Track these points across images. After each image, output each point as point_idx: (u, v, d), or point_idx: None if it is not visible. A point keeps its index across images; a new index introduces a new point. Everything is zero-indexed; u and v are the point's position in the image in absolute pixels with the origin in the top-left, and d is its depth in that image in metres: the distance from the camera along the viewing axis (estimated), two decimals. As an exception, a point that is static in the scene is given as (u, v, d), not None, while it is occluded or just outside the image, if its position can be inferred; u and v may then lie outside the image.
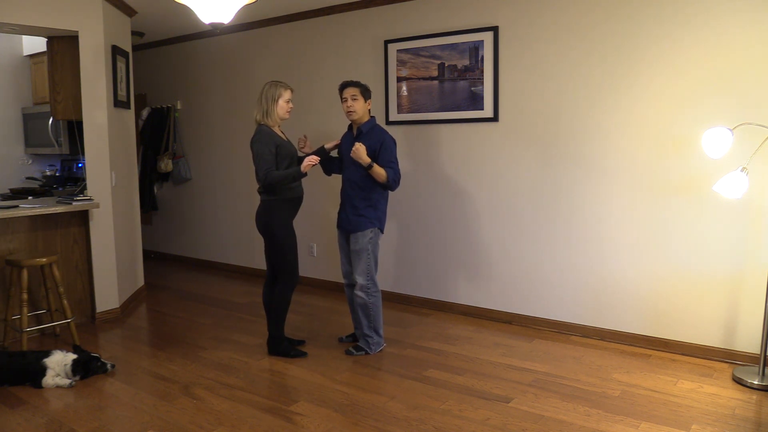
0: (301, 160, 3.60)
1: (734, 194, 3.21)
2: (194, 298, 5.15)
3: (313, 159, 3.42)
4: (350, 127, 3.74)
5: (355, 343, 3.81)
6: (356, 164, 3.56)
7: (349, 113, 3.61)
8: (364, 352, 3.69)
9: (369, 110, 3.66)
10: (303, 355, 3.67)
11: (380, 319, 3.72)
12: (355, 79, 3.71)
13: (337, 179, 4.47)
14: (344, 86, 3.63)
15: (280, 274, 3.62)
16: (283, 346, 3.68)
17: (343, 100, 3.62)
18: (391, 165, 3.54)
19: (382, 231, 3.67)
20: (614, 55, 3.70)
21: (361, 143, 3.48)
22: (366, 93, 3.61)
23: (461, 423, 2.79)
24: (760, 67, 3.27)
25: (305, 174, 3.43)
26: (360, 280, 3.62)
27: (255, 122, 3.55)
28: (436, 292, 4.66)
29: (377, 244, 3.64)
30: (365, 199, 3.60)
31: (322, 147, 3.80)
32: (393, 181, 3.54)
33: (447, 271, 4.57)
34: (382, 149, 3.54)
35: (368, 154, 3.49)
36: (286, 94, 3.53)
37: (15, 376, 3.25)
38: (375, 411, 2.93)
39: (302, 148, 3.84)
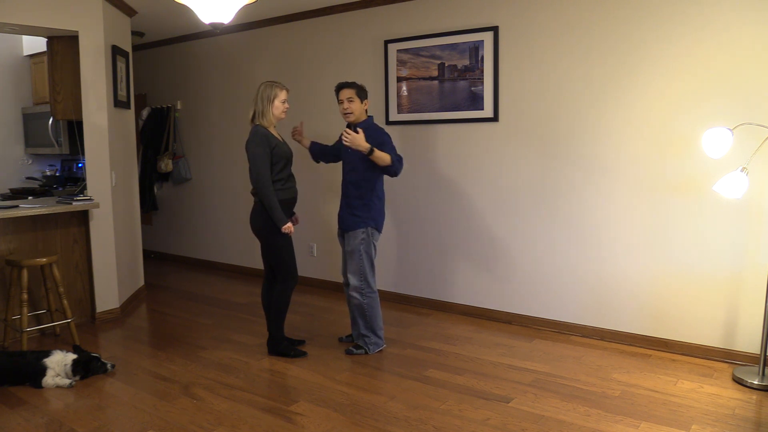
0: (291, 159, 3.59)
1: (734, 194, 3.21)
2: (194, 298, 5.15)
3: (291, 229, 3.50)
4: (348, 126, 3.74)
5: (355, 343, 3.81)
6: (354, 163, 3.56)
7: (345, 115, 3.61)
8: (363, 351, 3.69)
9: (366, 110, 3.66)
10: (303, 355, 3.67)
11: (378, 320, 3.70)
12: (350, 80, 3.71)
13: (337, 180, 4.48)
14: (340, 88, 3.62)
15: (279, 275, 3.62)
16: (283, 346, 3.68)
17: (340, 101, 3.62)
18: (394, 153, 3.54)
19: (378, 231, 3.66)
20: (614, 55, 3.70)
21: (359, 128, 3.48)
22: (362, 93, 3.61)
23: (461, 423, 2.79)
24: (760, 67, 3.27)
25: (283, 218, 3.46)
26: (353, 280, 3.62)
27: (250, 123, 3.56)
28: (436, 292, 4.65)
29: (371, 245, 3.63)
30: (360, 198, 3.59)
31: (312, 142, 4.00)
32: (397, 162, 3.51)
33: (447, 271, 4.57)
34: (383, 146, 3.52)
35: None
36: (282, 95, 3.53)
37: (15, 376, 3.25)
38: (375, 411, 2.93)
39: (295, 136, 3.95)
